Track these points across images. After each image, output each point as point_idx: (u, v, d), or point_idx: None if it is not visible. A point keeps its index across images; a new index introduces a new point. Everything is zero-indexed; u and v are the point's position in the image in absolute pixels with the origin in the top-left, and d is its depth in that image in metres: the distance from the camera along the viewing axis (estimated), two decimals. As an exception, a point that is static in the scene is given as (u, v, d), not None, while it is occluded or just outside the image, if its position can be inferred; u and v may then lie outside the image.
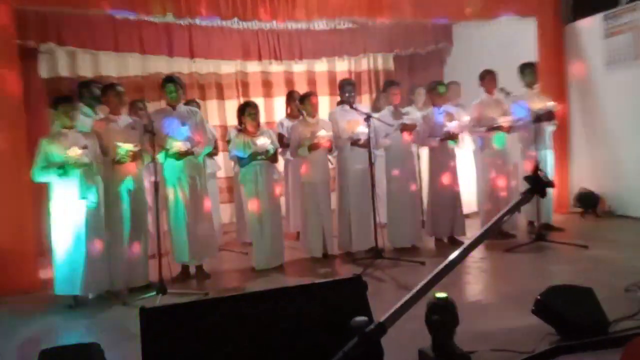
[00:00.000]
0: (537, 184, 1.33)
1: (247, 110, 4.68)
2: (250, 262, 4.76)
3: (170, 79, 4.52)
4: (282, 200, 6.48)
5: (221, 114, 7.26)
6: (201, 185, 4.51)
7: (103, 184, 4.17)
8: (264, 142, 4.53)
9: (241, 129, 4.74)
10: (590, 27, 6.16)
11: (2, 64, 4.35)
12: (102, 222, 4.11)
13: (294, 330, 1.65)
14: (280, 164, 6.25)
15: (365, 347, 1.10)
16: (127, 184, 4.17)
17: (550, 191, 5.51)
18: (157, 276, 3.90)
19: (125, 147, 4.04)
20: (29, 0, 4.59)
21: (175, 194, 4.39)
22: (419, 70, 7.78)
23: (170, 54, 6.48)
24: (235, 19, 5.16)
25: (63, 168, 3.82)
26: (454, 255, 1.23)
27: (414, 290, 1.19)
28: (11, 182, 4.30)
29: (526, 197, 1.34)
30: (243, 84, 7.35)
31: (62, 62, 6.25)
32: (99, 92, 4.60)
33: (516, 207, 1.35)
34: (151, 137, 3.92)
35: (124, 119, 4.36)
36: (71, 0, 4.62)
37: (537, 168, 1.38)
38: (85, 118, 4.70)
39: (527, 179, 1.36)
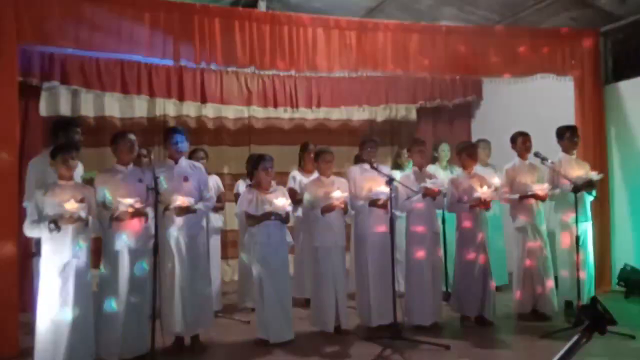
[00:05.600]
0: (597, 319, 1.28)
1: (261, 164, 4.54)
2: (251, 333, 4.65)
3: (177, 130, 4.57)
4: (290, 258, 6.44)
5: (229, 161, 7.31)
6: (201, 246, 4.46)
7: (102, 242, 4.14)
8: (283, 202, 4.44)
9: (252, 184, 4.71)
10: (634, 88, 6.19)
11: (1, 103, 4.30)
12: (91, 285, 4.06)
13: None
14: (291, 222, 6.24)
15: None
16: (128, 243, 4.09)
17: (592, 268, 5.43)
18: (149, 345, 3.80)
19: (126, 203, 4.03)
20: (38, 40, 4.62)
21: (170, 255, 4.28)
22: (445, 123, 7.84)
23: (181, 98, 6.61)
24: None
25: (55, 222, 3.80)
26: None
27: None
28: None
29: (583, 335, 1.28)
30: (254, 130, 7.44)
31: (63, 100, 6.40)
32: (77, 138, 4.44)
33: (571, 352, 1.28)
34: (155, 195, 3.91)
35: (132, 170, 4.31)
36: (80, 43, 4.69)
37: (595, 300, 1.32)
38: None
39: (583, 312, 1.30)
